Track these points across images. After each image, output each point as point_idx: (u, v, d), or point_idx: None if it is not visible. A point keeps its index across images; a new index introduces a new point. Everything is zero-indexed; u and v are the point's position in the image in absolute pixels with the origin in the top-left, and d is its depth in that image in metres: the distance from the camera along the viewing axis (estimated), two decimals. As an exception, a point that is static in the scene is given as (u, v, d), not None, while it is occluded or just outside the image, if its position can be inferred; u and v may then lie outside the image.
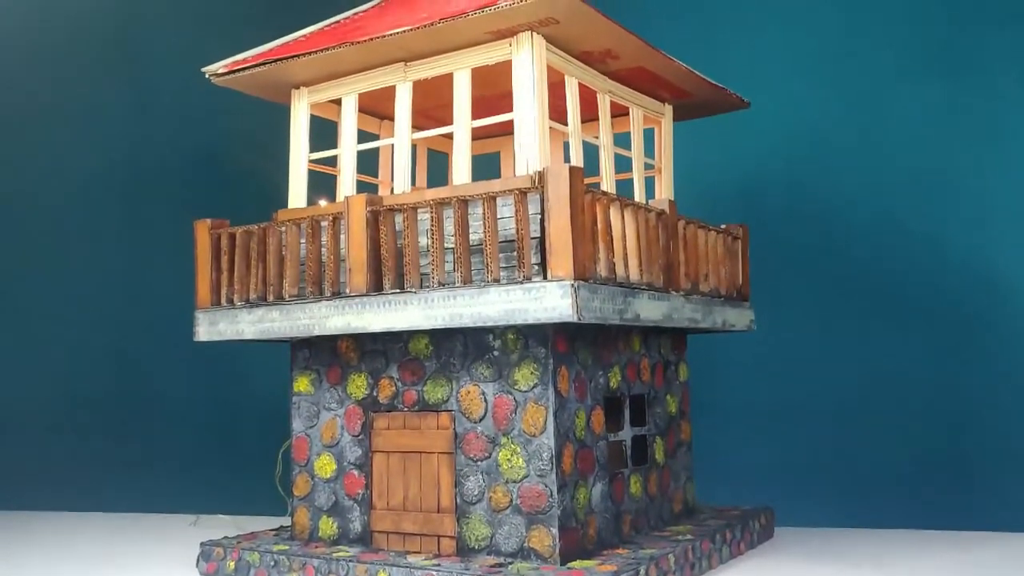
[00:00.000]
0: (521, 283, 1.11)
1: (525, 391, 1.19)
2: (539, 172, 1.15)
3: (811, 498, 1.68)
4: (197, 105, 2.02)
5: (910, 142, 1.71)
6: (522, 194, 1.14)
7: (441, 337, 1.26)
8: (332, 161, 1.41)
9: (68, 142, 2.22)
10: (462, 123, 1.26)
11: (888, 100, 1.73)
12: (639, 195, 1.41)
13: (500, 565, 1.15)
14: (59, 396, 2.17)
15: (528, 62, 1.20)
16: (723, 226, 1.50)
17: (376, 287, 1.23)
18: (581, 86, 1.31)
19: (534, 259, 1.14)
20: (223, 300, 1.37)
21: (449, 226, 1.20)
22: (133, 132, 2.18)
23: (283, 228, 1.33)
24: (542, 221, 1.13)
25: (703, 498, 1.57)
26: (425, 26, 1.20)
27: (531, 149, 1.20)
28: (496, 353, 1.21)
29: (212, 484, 1.98)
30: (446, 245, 1.20)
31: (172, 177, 2.12)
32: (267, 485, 1.60)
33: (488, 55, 1.24)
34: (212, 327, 1.37)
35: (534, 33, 1.20)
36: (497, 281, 1.13)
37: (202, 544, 1.38)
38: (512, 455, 1.19)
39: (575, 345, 1.23)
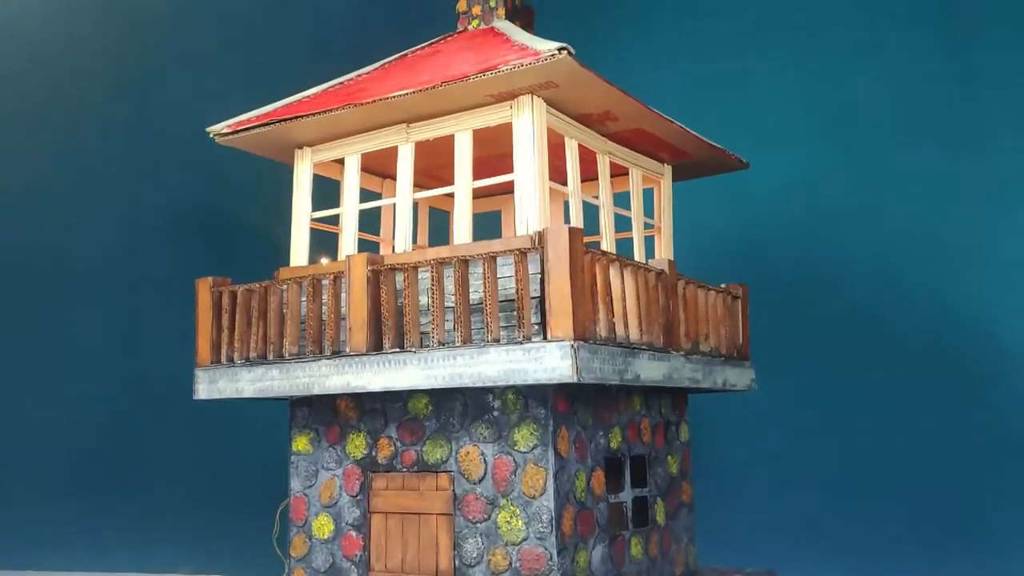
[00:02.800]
0: (521, 343, 1.11)
1: (525, 452, 1.18)
2: (539, 232, 1.15)
3: (815, 560, 1.66)
4: (200, 163, 2.04)
5: (910, 201, 1.72)
6: (522, 254, 1.14)
7: (441, 397, 1.25)
8: (334, 220, 1.42)
9: (70, 199, 2.24)
10: (463, 183, 1.27)
11: (888, 159, 1.75)
12: (639, 255, 1.42)
13: (499, 630, 1.13)
14: (59, 455, 2.16)
15: (528, 124, 1.22)
16: (723, 285, 1.51)
17: (376, 346, 1.23)
18: (581, 147, 1.32)
19: (534, 319, 1.14)
20: (223, 358, 1.37)
21: (449, 285, 1.20)
22: (135, 190, 2.20)
23: (284, 286, 1.33)
24: (542, 281, 1.13)
25: (705, 560, 1.55)
26: (427, 89, 1.21)
27: (531, 210, 1.20)
28: (496, 413, 1.21)
29: (209, 544, 1.96)
30: (446, 304, 1.20)
31: (174, 235, 2.14)
32: (264, 545, 1.58)
33: (489, 117, 1.26)
34: (212, 385, 1.37)
35: (534, 96, 1.22)
36: (497, 341, 1.13)
37: (197, 606, 1.36)
38: (512, 517, 1.17)
39: (575, 405, 1.22)
